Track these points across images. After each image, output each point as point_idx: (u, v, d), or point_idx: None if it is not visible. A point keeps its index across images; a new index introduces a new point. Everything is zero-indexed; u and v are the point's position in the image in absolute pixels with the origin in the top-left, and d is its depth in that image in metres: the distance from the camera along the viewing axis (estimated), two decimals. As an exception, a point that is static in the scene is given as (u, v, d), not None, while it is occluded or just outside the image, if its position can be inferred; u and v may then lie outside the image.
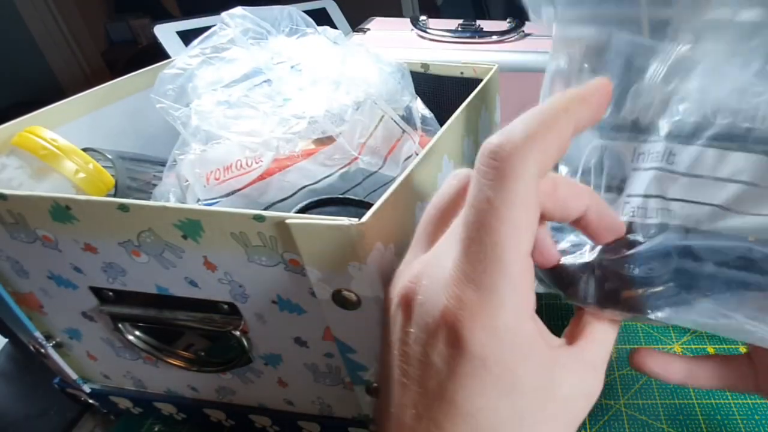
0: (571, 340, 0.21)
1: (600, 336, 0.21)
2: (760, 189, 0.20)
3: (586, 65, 0.25)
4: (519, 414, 0.18)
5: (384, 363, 0.22)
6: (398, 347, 0.20)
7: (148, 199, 0.37)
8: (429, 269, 0.19)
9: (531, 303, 0.18)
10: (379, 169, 0.35)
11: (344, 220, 0.22)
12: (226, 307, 0.29)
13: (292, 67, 0.36)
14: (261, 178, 0.32)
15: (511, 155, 0.17)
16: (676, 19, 0.21)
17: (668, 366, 0.28)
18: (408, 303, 0.19)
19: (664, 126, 0.22)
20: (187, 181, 0.33)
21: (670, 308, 0.21)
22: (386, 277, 0.25)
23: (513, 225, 0.17)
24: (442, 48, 0.59)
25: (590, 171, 0.24)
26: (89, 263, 0.28)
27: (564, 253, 0.23)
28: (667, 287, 0.21)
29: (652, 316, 0.21)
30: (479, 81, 0.40)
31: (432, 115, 0.40)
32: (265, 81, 0.35)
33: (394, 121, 0.36)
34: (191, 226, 0.25)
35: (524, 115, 0.18)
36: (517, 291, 0.17)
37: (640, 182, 0.22)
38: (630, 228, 0.22)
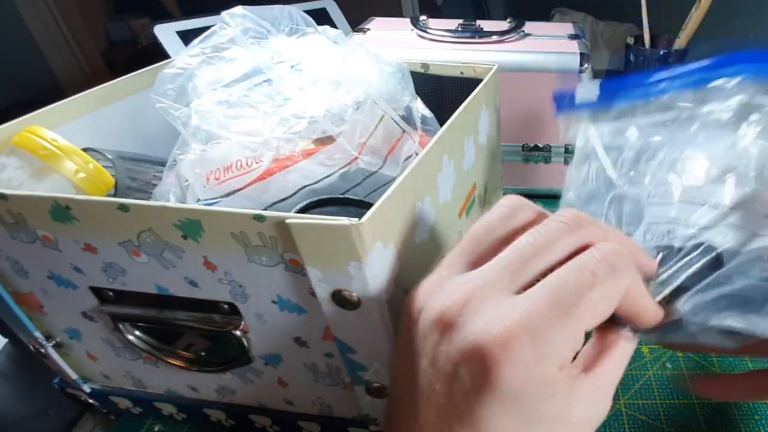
0: (587, 368, 0.21)
1: (615, 364, 0.22)
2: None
3: None
4: None
5: (398, 373, 0.22)
6: (428, 363, 0.20)
7: (148, 199, 0.37)
8: (479, 293, 0.20)
9: (569, 360, 0.20)
10: (379, 169, 0.35)
11: (344, 220, 0.22)
12: (226, 307, 0.29)
13: (292, 66, 0.36)
14: (261, 178, 0.32)
15: (628, 261, 0.20)
16: None
17: (735, 387, 0.29)
18: (448, 323, 0.19)
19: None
20: (187, 181, 0.33)
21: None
22: (386, 277, 0.25)
23: (604, 311, 0.19)
24: (442, 48, 0.59)
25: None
26: (89, 263, 0.28)
27: None
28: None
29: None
30: (479, 81, 0.40)
31: (432, 115, 0.40)
32: (265, 81, 0.35)
33: (394, 121, 0.36)
34: (191, 226, 0.25)
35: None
36: (565, 353, 0.19)
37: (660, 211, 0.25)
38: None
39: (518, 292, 0.20)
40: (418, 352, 0.20)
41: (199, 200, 0.32)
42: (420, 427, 0.20)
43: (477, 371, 0.18)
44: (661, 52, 0.64)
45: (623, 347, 0.22)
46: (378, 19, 0.70)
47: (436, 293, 0.21)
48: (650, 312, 0.22)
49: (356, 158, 0.33)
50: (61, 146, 0.33)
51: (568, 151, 0.61)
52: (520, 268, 0.20)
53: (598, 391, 0.21)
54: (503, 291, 0.20)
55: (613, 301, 0.20)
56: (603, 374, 0.21)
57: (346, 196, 0.32)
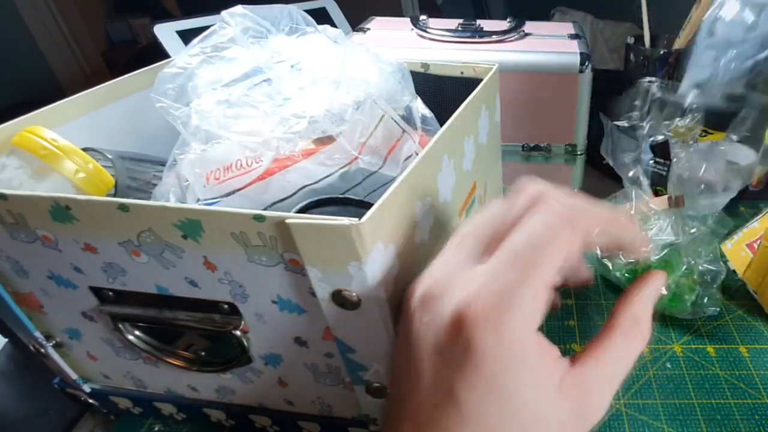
0: (575, 360, 0.21)
1: (608, 361, 0.22)
2: None
3: None
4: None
5: (395, 364, 0.23)
6: (413, 339, 0.21)
7: (148, 199, 0.37)
8: (453, 269, 0.21)
9: (538, 322, 0.20)
10: (379, 169, 0.35)
11: (344, 220, 0.22)
12: (226, 307, 0.29)
13: (292, 66, 0.36)
14: (261, 177, 0.32)
15: (587, 221, 0.22)
16: None
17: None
18: (428, 297, 0.21)
19: None
20: (187, 180, 0.33)
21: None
22: (386, 277, 0.25)
23: (558, 260, 0.20)
24: (442, 48, 0.59)
25: None
26: (89, 263, 0.28)
27: None
28: None
29: None
30: (479, 81, 0.40)
31: (432, 114, 0.40)
32: (265, 80, 0.35)
33: (395, 121, 0.36)
34: (191, 226, 0.25)
35: (602, 207, 0.23)
36: (532, 311, 0.20)
37: None
38: None
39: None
40: (408, 331, 0.21)
41: (199, 200, 0.32)
42: (410, 409, 0.20)
43: (451, 336, 0.19)
44: (661, 52, 0.64)
45: (622, 345, 0.22)
46: (378, 18, 0.70)
47: (422, 278, 0.22)
48: (632, 233, 0.24)
49: (356, 158, 0.33)
50: (61, 146, 0.33)
51: (568, 151, 0.61)
52: (486, 240, 0.22)
53: (583, 388, 0.20)
54: (471, 263, 0.21)
55: (568, 247, 0.21)
56: (590, 370, 0.21)
57: (346, 196, 0.32)
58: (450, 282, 0.21)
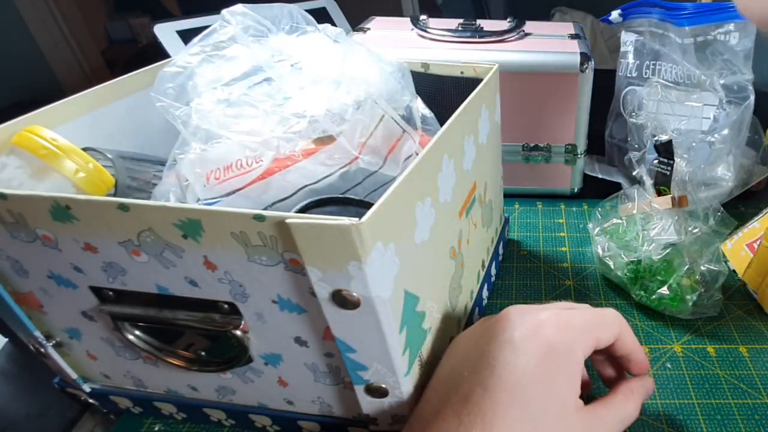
0: (588, 406, 0.29)
1: (612, 411, 0.30)
2: None
3: None
4: None
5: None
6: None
7: (148, 198, 0.37)
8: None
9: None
10: (380, 168, 0.34)
11: (344, 220, 0.22)
12: (226, 306, 0.29)
13: (292, 65, 0.36)
14: (261, 177, 0.32)
15: (621, 323, 0.33)
16: None
17: None
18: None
19: None
20: (187, 180, 0.33)
21: None
22: (386, 277, 0.25)
23: (605, 336, 0.31)
24: (443, 47, 0.59)
25: None
26: (89, 263, 0.28)
27: None
28: None
29: None
30: (479, 81, 0.40)
31: (432, 114, 0.40)
32: (265, 79, 0.35)
33: (395, 121, 0.36)
34: (191, 225, 0.25)
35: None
36: (579, 354, 0.29)
37: None
38: None
39: None
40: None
41: (199, 200, 0.32)
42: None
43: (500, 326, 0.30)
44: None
45: (622, 404, 0.31)
46: (378, 18, 0.70)
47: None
48: (639, 353, 0.33)
49: (356, 158, 0.33)
50: (61, 146, 0.33)
51: (568, 151, 0.61)
52: None
53: (593, 423, 0.28)
54: None
55: (611, 336, 0.31)
56: (599, 411, 0.29)
57: (346, 195, 0.32)
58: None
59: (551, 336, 0.28)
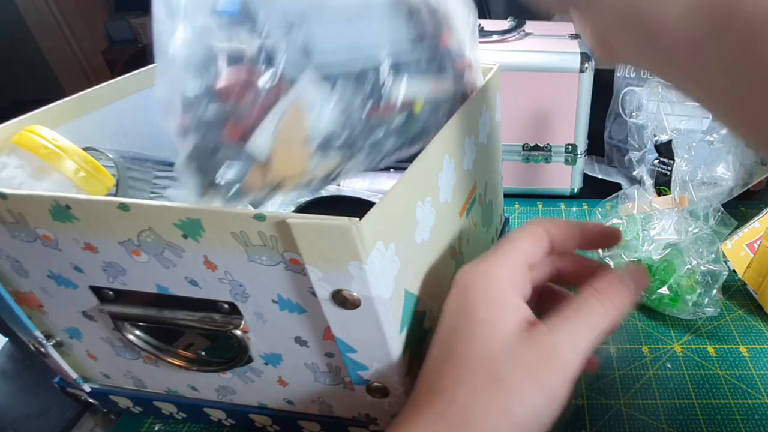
0: (547, 321, 0.24)
1: (578, 324, 0.24)
2: None
3: None
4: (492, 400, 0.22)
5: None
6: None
7: (148, 198, 0.36)
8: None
9: (520, 285, 0.26)
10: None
11: (345, 220, 0.22)
12: (226, 306, 0.29)
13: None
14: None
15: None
16: None
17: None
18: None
19: None
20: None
21: None
22: (387, 277, 0.25)
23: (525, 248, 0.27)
24: (443, 47, 0.59)
25: None
26: (89, 262, 0.28)
27: None
28: None
29: None
30: (480, 80, 0.40)
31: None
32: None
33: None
34: (191, 225, 0.25)
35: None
36: (514, 270, 0.26)
37: None
38: None
39: None
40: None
41: None
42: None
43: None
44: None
45: (583, 308, 0.24)
46: (378, 18, 0.70)
47: None
48: (586, 230, 0.29)
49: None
50: (61, 145, 0.33)
51: (568, 151, 0.61)
52: None
53: (551, 338, 0.23)
54: None
55: (538, 248, 0.28)
56: (558, 325, 0.24)
57: (346, 195, 0.32)
58: None
59: (463, 278, 0.26)
